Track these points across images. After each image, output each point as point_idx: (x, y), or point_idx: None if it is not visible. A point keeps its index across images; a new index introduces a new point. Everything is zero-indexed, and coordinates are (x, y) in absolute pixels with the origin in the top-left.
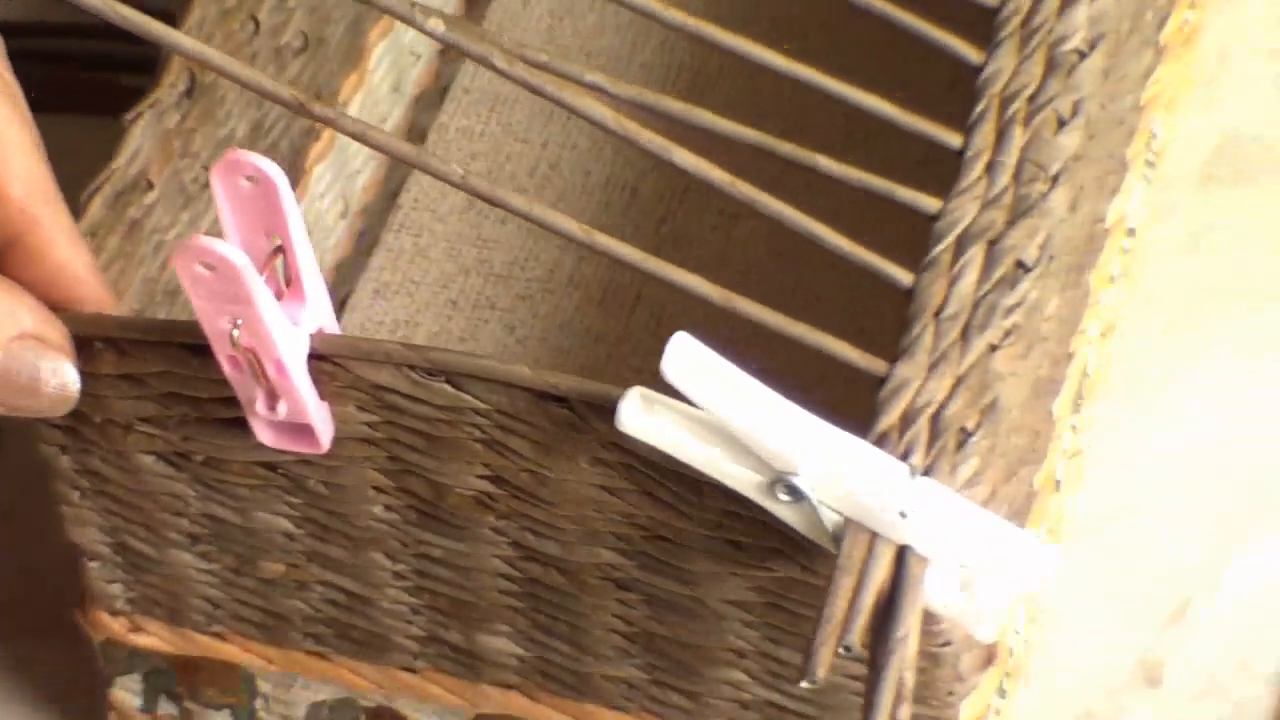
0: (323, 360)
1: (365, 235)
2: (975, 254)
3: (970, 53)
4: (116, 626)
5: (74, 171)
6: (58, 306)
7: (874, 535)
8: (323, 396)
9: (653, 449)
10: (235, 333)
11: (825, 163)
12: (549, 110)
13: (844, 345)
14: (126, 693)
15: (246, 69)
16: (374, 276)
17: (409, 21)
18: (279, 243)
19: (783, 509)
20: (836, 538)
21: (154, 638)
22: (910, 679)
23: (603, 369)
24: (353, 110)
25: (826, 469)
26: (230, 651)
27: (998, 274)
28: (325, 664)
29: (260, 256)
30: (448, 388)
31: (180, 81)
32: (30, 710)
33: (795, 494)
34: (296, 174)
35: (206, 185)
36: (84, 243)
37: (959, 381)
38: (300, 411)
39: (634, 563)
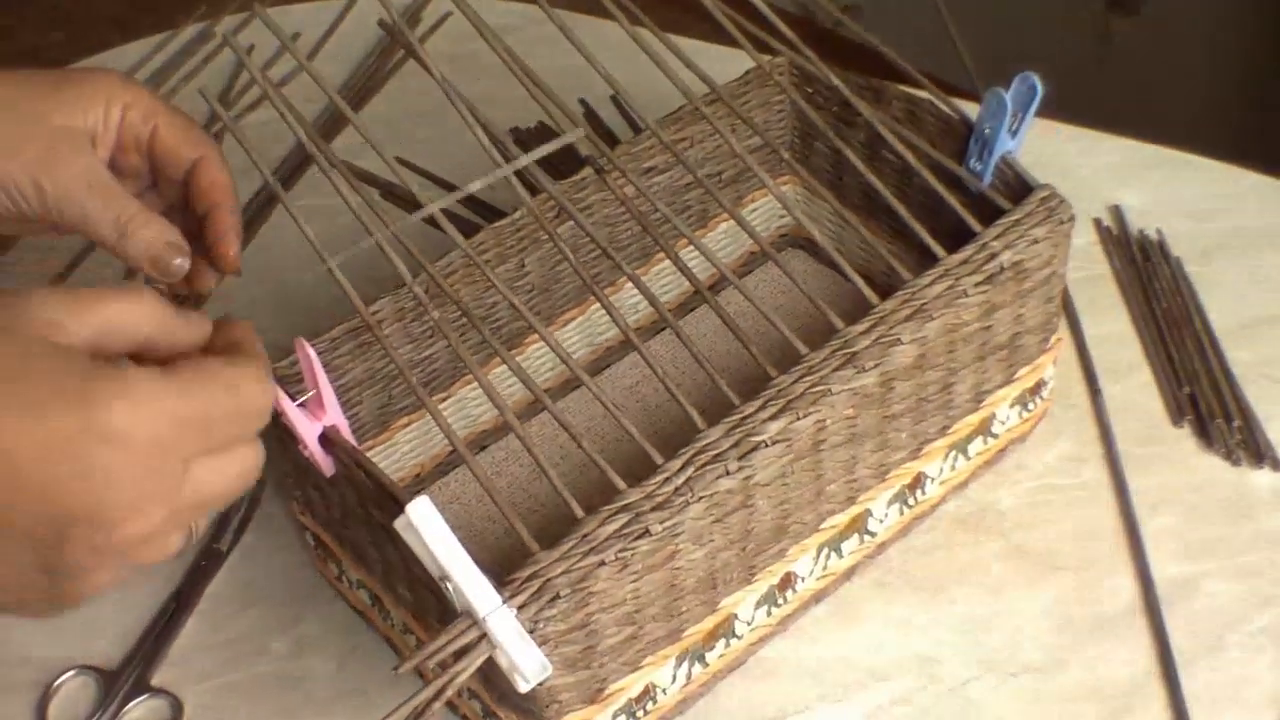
0: (327, 441)
1: None
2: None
3: None
4: None
5: None
6: None
7: (473, 623)
8: (328, 453)
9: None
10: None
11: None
12: None
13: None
14: None
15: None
16: None
17: None
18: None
19: (449, 593)
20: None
21: None
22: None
23: None
24: None
25: (463, 587)
26: None
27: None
28: None
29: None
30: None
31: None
32: None
33: (452, 590)
34: None
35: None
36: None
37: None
38: (315, 455)
39: None
